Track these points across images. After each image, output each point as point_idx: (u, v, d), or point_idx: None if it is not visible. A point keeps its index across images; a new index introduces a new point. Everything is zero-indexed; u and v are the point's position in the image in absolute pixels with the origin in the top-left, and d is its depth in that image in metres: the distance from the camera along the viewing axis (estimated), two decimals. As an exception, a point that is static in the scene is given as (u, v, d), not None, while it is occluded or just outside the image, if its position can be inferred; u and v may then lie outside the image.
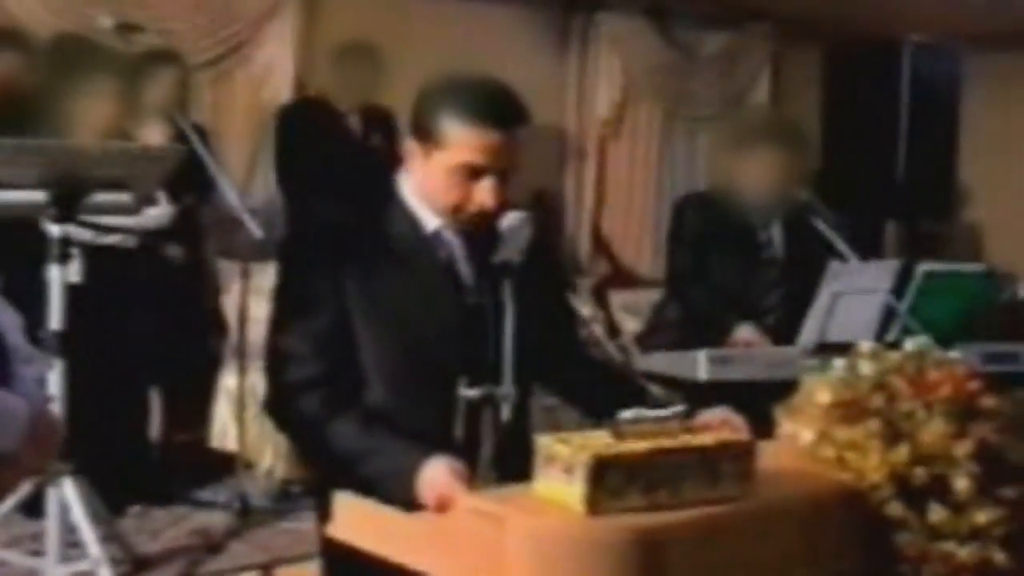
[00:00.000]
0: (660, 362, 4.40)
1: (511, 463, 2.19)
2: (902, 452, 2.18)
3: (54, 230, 3.76)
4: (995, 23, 6.81)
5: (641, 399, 2.52)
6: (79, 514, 3.76)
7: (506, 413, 2.30)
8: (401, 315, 2.53)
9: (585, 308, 7.23)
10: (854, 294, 4.09)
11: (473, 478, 2.33)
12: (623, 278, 7.96)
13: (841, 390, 2.31)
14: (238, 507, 4.75)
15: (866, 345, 2.39)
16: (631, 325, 7.13)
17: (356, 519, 2.33)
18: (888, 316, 4.20)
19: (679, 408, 2.13)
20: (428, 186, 2.57)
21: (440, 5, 7.08)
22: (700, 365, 4.11)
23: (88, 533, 3.76)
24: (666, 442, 2.04)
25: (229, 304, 5.09)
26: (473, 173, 2.51)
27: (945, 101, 7.09)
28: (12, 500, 3.83)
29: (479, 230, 2.53)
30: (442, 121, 2.50)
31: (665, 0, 7.80)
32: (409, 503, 2.37)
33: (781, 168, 4.40)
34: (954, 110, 7.15)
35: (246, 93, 6.54)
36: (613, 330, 7.66)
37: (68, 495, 3.77)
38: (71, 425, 3.88)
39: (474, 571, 2.04)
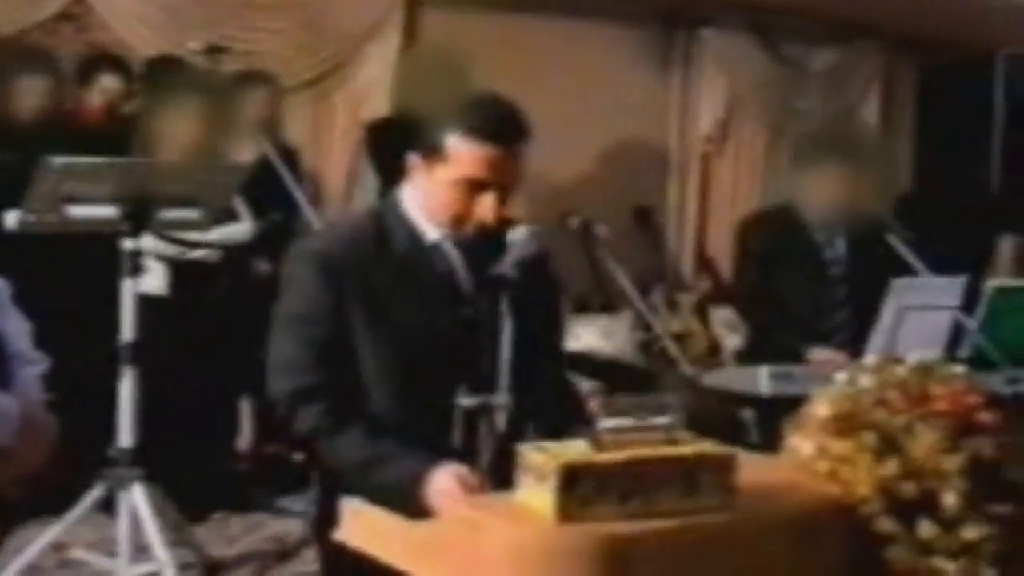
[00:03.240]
0: (724, 378, 4.39)
1: (509, 471, 2.22)
2: (891, 466, 2.17)
3: (126, 244, 3.90)
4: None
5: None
6: (146, 518, 3.88)
7: (502, 422, 2.35)
8: (400, 326, 2.61)
9: (677, 323, 7.28)
10: (921, 310, 4.03)
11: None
12: (727, 295, 7.91)
13: (841, 403, 2.30)
14: (313, 515, 4.82)
15: (870, 358, 2.39)
16: (732, 341, 7.10)
17: (360, 525, 2.40)
18: (958, 333, 4.13)
19: (664, 419, 2.15)
20: (431, 199, 2.65)
21: (542, 23, 7.15)
22: (762, 381, 4.09)
23: (154, 536, 3.88)
24: (642, 452, 2.06)
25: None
26: (474, 187, 2.58)
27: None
28: (87, 503, 3.98)
29: (480, 239, 2.59)
30: (445, 135, 2.58)
31: (770, 16, 7.75)
32: (419, 510, 2.43)
33: (843, 183, 4.34)
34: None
35: (346, 112, 6.68)
36: (714, 347, 7.64)
37: (137, 500, 3.90)
38: (146, 432, 4.05)
39: (456, 576, 2.09)
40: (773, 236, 4.51)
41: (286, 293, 2.68)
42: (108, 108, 5.36)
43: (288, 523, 4.86)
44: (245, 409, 5.55)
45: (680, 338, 7.36)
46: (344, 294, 2.59)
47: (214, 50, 5.18)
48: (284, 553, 4.58)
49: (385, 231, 2.66)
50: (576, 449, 2.06)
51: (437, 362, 2.45)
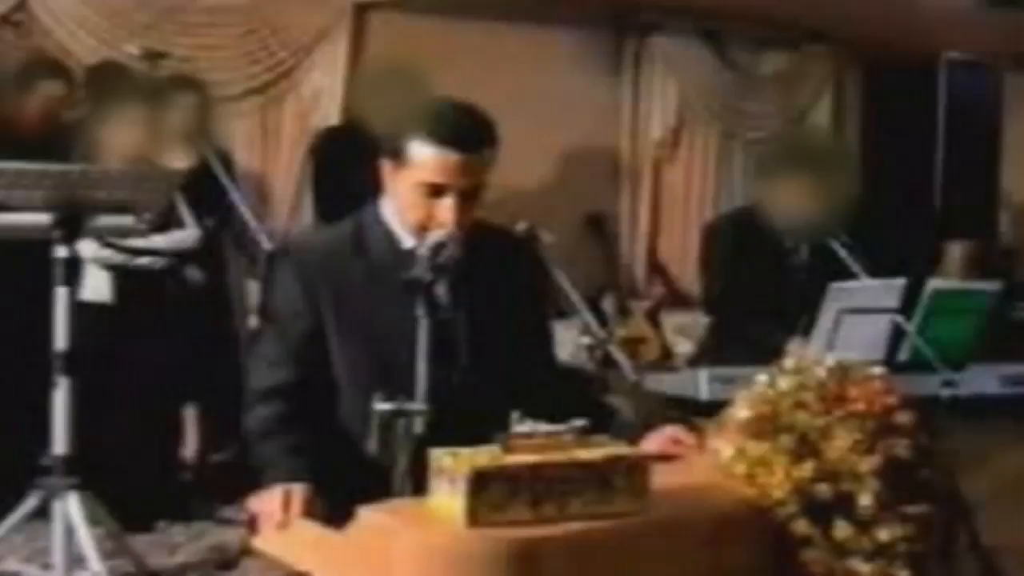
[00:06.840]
0: (666, 382, 4.38)
1: (425, 476, 2.20)
2: (806, 468, 2.17)
3: (59, 251, 3.85)
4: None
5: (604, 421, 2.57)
6: (80, 528, 3.83)
7: (419, 427, 2.32)
8: (372, 330, 2.65)
9: (629, 329, 7.27)
10: (859, 313, 4.03)
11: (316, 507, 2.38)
12: (679, 300, 7.92)
13: (760, 405, 2.30)
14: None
15: (790, 359, 2.38)
16: (684, 347, 7.09)
17: (275, 531, 2.38)
18: (898, 335, 4.13)
19: (578, 423, 2.14)
20: (397, 204, 2.69)
21: (492, 28, 7.12)
22: (701, 385, 4.09)
23: (89, 546, 3.83)
24: (553, 456, 2.05)
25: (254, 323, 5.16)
26: (434, 192, 2.61)
27: (984, 118, 6.96)
28: (21, 513, 3.93)
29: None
30: (407, 140, 2.60)
31: (720, 22, 7.77)
32: None
33: (812, 192, 4.35)
34: (994, 127, 7.01)
35: (295, 119, 6.63)
36: (666, 352, 7.63)
37: (72, 509, 3.85)
38: (82, 442, 4.00)
39: (368, 582, 2.07)
40: (740, 239, 4.53)
41: (268, 294, 2.82)
42: (49, 114, 5.29)
43: (230, 533, 4.81)
44: (190, 418, 5.51)
45: (632, 344, 7.37)
46: (318, 297, 2.65)
47: (153, 56, 5.14)
48: (226, 563, 4.53)
49: (363, 236, 2.72)
50: (488, 453, 2.05)
51: (406, 367, 2.44)
